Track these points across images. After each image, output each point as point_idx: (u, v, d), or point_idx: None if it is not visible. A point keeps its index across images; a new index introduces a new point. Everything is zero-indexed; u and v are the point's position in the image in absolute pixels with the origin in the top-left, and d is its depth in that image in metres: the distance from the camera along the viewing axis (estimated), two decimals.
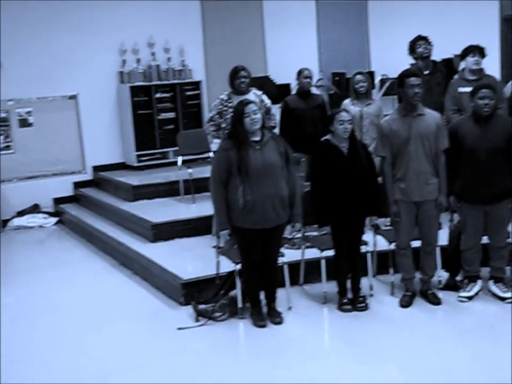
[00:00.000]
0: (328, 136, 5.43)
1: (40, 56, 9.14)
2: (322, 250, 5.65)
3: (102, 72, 9.59)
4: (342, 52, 11.47)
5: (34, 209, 9.34)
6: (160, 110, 9.77)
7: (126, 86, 9.55)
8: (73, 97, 9.55)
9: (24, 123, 9.30)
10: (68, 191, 9.64)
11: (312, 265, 5.94)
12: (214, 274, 5.78)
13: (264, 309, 5.45)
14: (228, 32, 10.50)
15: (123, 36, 9.59)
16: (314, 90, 8.13)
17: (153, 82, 9.76)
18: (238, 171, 5.05)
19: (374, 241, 6.00)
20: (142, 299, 6.14)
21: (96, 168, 9.75)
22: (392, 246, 5.71)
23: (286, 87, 9.85)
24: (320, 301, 5.71)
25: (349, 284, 5.60)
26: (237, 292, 5.48)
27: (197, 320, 5.45)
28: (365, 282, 5.71)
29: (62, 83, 9.35)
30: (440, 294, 5.65)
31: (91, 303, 6.08)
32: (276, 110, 7.29)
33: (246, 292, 5.46)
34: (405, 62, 7.16)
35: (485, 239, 5.61)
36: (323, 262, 5.66)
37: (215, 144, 6.59)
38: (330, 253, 5.58)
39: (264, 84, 9.12)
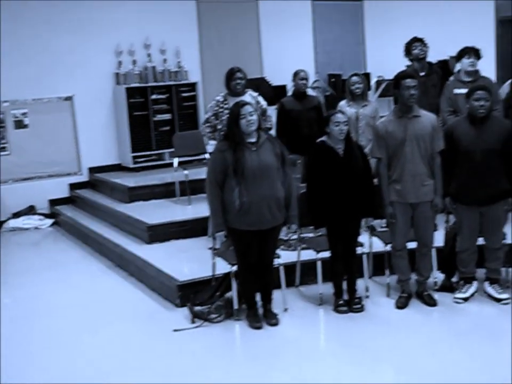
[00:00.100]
0: (324, 138, 5.44)
1: (35, 58, 9.11)
2: (318, 251, 5.66)
3: (98, 73, 9.57)
4: (338, 53, 11.48)
5: (30, 210, 9.32)
6: (156, 112, 9.76)
7: (122, 87, 9.54)
8: (69, 98, 9.53)
9: (19, 124, 9.28)
10: (64, 193, 9.62)
11: (308, 266, 5.94)
12: (210, 276, 5.78)
13: (260, 311, 5.45)
14: (224, 33, 10.50)
15: (119, 37, 9.57)
16: (310, 92, 8.14)
17: (149, 84, 9.75)
18: (234, 172, 5.05)
19: (369, 243, 6.00)
20: (137, 300, 6.13)
21: (92, 170, 9.73)
22: (388, 248, 5.71)
23: (282, 88, 9.85)
24: (316, 303, 5.71)
25: (344, 285, 5.60)
26: (233, 293, 5.47)
27: (193, 322, 5.44)
28: (360, 283, 5.71)
29: (58, 84, 9.34)
30: (436, 296, 5.66)
31: (87, 304, 6.07)
32: (272, 111, 7.29)
33: (242, 293, 5.46)
34: (401, 63, 7.17)
35: (480, 241, 5.62)
36: (319, 264, 5.66)
37: (211, 145, 6.58)
38: (326, 254, 5.58)
39: (260, 85, 9.12)
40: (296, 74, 7.29)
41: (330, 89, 10.80)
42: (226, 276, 5.55)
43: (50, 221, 9.25)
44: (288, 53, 10.49)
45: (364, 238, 5.81)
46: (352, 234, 5.53)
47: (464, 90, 5.83)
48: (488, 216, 5.46)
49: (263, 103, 6.76)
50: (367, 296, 5.75)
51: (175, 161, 8.37)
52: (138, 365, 4.81)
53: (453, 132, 5.46)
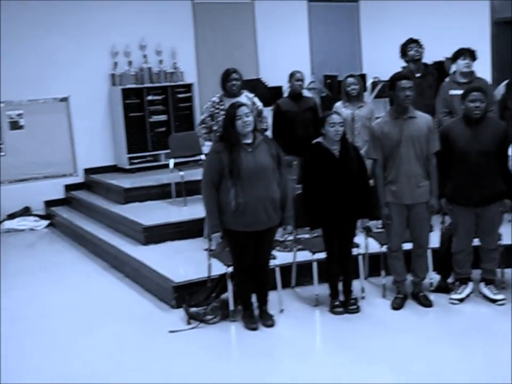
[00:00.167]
0: (319, 139, 5.44)
1: (31, 59, 9.11)
2: (314, 252, 5.65)
3: (94, 74, 9.56)
4: (334, 54, 11.49)
5: (25, 212, 9.30)
6: (152, 113, 9.75)
7: (118, 88, 9.53)
8: (64, 99, 9.52)
9: (15, 125, 9.26)
10: (59, 194, 9.60)
11: (304, 267, 5.94)
12: (205, 277, 5.77)
13: (256, 312, 5.44)
14: (220, 34, 10.50)
15: (115, 38, 9.57)
16: (306, 93, 8.15)
17: (145, 85, 9.74)
18: (229, 173, 5.05)
19: (365, 244, 6.00)
20: (133, 302, 6.12)
21: (88, 171, 9.71)
22: (384, 249, 5.72)
23: (278, 89, 9.84)
24: (311, 304, 5.71)
25: (340, 286, 5.60)
26: (229, 294, 5.47)
27: (189, 323, 5.44)
28: (356, 284, 5.71)
29: (54, 85, 9.32)
30: (432, 296, 5.67)
31: (82, 305, 6.06)
32: (268, 112, 7.29)
33: (238, 294, 5.46)
34: (397, 64, 7.18)
35: (476, 241, 5.63)
36: (315, 265, 5.66)
37: (206, 146, 6.57)
38: (322, 255, 5.58)
39: (256, 86, 9.13)
40: (292, 75, 7.29)
41: (326, 90, 10.80)
42: (222, 277, 5.54)
43: (45, 222, 9.23)
44: (284, 54, 10.50)
45: (359, 239, 5.81)
46: (348, 235, 5.53)
47: (459, 92, 5.85)
48: (483, 217, 5.46)
49: (259, 104, 6.77)
50: (363, 297, 5.75)
51: (171, 162, 8.37)
52: (133, 366, 4.80)
53: (448, 133, 5.47)
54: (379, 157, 5.45)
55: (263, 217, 5.12)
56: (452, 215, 5.63)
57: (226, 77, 6.54)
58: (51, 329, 5.57)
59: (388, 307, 5.58)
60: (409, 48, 7.09)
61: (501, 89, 6.82)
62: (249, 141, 5.14)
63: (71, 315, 5.83)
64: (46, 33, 9.17)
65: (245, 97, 6.58)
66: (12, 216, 9.16)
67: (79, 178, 9.74)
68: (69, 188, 9.64)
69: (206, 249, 5.90)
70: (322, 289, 5.66)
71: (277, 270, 5.60)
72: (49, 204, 9.49)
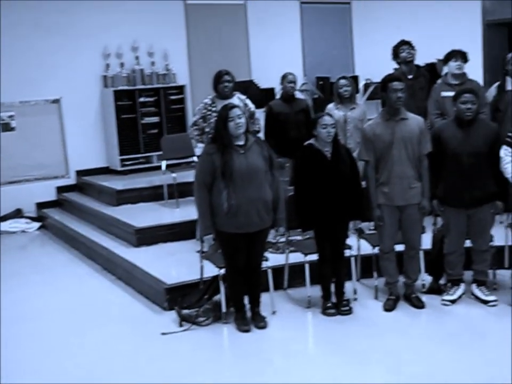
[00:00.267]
0: (311, 140, 5.44)
1: (22, 60, 9.06)
2: (306, 254, 5.66)
3: (86, 76, 9.54)
4: (326, 56, 11.50)
5: (17, 214, 9.27)
6: (144, 114, 9.74)
7: (110, 90, 9.51)
8: (56, 101, 9.49)
9: (6, 127, 9.22)
10: (51, 196, 9.58)
11: (296, 269, 5.94)
12: (198, 279, 5.77)
13: (248, 314, 5.44)
14: (212, 36, 10.49)
15: (107, 39, 9.55)
16: (298, 95, 8.15)
17: (137, 87, 9.73)
18: (222, 175, 5.04)
19: (357, 245, 6.01)
20: (125, 304, 6.11)
21: (80, 173, 9.69)
22: (376, 250, 5.72)
23: (270, 91, 9.86)
24: (304, 305, 5.71)
25: (332, 288, 5.60)
26: (221, 296, 5.46)
27: (181, 325, 5.43)
28: (348, 286, 5.72)
29: (45, 87, 9.29)
30: (424, 298, 5.67)
31: (74, 308, 6.04)
32: (260, 114, 7.29)
33: (230, 296, 5.45)
34: (389, 66, 7.19)
35: (468, 243, 5.64)
36: (307, 266, 5.66)
37: (199, 148, 6.57)
38: (314, 257, 5.58)
39: (248, 88, 9.14)
40: (284, 77, 7.29)
41: (318, 92, 10.83)
42: (214, 279, 5.54)
43: (37, 224, 9.19)
44: (276, 55, 10.51)
45: (351, 240, 5.82)
46: (340, 237, 5.54)
47: (451, 93, 5.85)
48: (475, 218, 5.48)
49: (251, 106, 6.77)
50: (355, 299, 5.76)
51: (163, 164, 8.36)
52: (126, 368, 4.79)
53: (440, 135, 5.48)
54: (371, 159, 5.46)
55: (255, 219, 5.12)
56: (443, 217, 5.65)
57: (219, 78, 6.54)
58: (43, 331, 5.54)
59: (380, 308, 5.58)
60: (401, 50, 7.10)
61: (492, 91, 6.84)
62: (241, 142, 5.13)
63: (64, 317, 5.81)
64: (38, 35, 9.14)
65: (237, 99, 6.58)
66: (3, 218, 9.12)
67: (71, 180, 9.71)
68: (60, 189, 9.61)
69: (198, 251, 5.89)
70: (315, 291, 5.66)
71: (269, 272, 5.60)
72: (41, 205, 9.46)
